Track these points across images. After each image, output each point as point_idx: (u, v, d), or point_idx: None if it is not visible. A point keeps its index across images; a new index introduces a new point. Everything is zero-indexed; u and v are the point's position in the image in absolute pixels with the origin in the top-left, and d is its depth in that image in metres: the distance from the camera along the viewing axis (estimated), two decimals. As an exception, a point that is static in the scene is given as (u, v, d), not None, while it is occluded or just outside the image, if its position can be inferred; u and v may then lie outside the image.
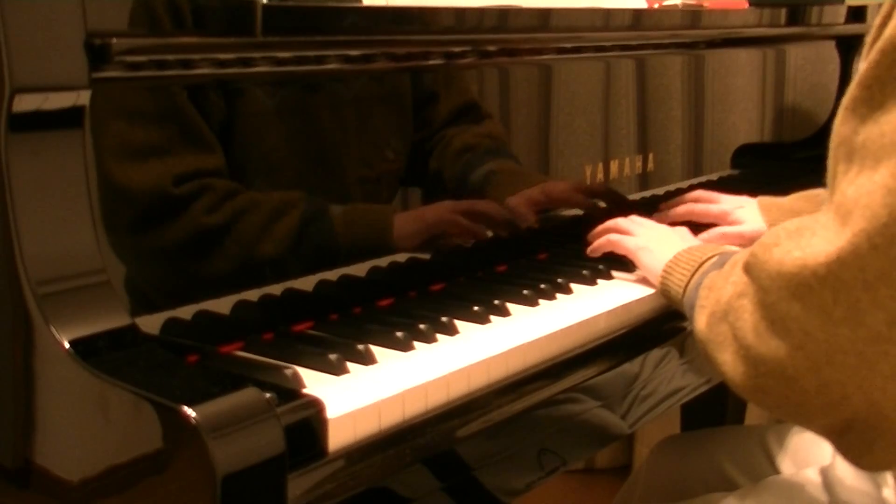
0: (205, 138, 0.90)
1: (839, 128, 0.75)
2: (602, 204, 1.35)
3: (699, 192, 1.36)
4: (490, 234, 1.19)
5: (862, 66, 0.75)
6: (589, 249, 1.20)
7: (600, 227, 1.20)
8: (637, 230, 1.16)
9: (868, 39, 0.76)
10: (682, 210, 1.33)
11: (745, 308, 0.80)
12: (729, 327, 0.82)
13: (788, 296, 0.74)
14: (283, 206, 0.96)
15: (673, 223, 1.32)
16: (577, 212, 1.32)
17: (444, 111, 1.14)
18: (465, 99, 1.16)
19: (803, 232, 0.75)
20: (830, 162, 0.77)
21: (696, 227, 1.30)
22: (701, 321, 0.88)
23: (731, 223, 1.28)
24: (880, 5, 0.76)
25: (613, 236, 1.17)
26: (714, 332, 0.85)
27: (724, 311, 0.84)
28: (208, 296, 0.91)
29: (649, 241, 1.13)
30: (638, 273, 1.16)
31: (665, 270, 1.05)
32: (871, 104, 0.72)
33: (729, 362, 0.82)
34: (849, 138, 0.73)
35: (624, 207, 1.33)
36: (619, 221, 1.19)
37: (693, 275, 1.00)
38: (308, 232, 0.98)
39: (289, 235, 0.96)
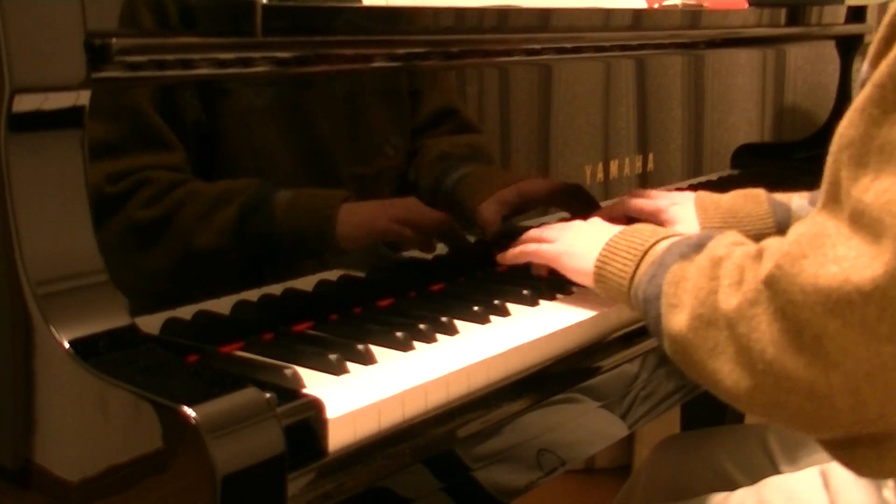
0: (163, 138, 0.88)
1: (845, 130, 0.72)
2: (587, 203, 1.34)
3: (635, 191, 1.33)
4: (437, 245, 1.13)
5: (865, 66, 0.74)
6: (499, 257, 1.14)
7: (518, 241, 1.14)
8: (552, 235, 1.09)
9: (878, 36, 0.73)
10: (618, 207, 1.30)
11: (759, 319, 0.75)
12: (732, 336, 0.77)
13: (825, 312, 0.70)
14: (232, 194, 0.93)
15: (612, 220, 1.32)
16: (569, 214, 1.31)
17: (438, 114, 1.14)
18: (454, 102, 1.15)
19: (823, 241, 0.71)
20: (831, 166, 0.74)
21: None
22: (678, 321, 0.83)
23: (664, 221, 1.24)
24: (880, 5, 0.75)
25: (530, 246, 1.10)
26: (702, 337, 0.80)
27: (725, 318, 0.78)
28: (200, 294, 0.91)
29: (569, 245, 1.05)
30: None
31: (600, 261, 0.98)
32: (884, 105, 0.69)
33: (726, 371, 0.78)
34: (858, 141, 0.70)
35: (595, 207, 1.32)
36: (533, 231, 1.13)
37: (639, 263, 0.94)
38: (252, 220, 0.94)
39: (235, 223, 0.93)
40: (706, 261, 0.84)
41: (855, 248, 0.69)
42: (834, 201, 0.73)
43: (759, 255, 0.78)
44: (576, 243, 1.05)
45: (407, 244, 1.10)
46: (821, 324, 0.70)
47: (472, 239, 1.18)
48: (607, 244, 0.99)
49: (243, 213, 0.93)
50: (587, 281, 1.02)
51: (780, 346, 0.73)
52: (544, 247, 1.08)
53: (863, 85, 0.74)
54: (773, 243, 0.78)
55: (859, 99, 0.71)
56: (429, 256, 1.12)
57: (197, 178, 0.91)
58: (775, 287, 0.74)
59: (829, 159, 0.74)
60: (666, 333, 0.86)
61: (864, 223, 0.69)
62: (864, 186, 0.69)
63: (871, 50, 0.74)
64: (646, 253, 0.94)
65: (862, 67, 0.76)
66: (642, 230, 0.98)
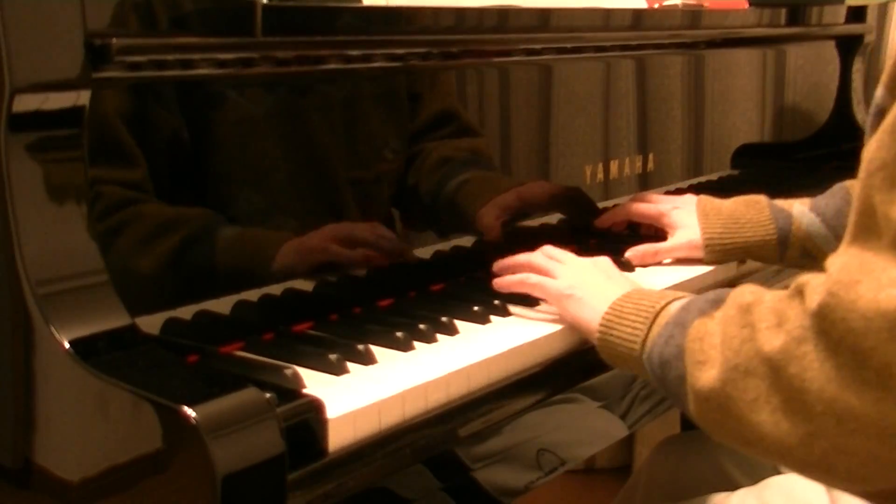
0: (126, 151, 0.86)
1: (875, 154, 0.68)
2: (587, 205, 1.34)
3: (639, 195, 1.34)
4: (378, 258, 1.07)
5: (880, 91, 0.71)
6: (496, 284, 1.07)
7: (511, 262, 1.09)
8: (557, 270, 1.03)
9: (894, 62, 0.71)
10: (620, 212, 1.31)
11: (811, 357, 0.70)
12: (778, 382, 0.73)
13: (892, 338, 0.65)
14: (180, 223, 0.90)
15: (614, 225, 1.32)
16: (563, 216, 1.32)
17: (437, 117, 1.13)
18: (453, 105, 1.15)
19: (871, 267, 0.67)
20: (861, 192, 0.70)
21: (635, 229, 1.31)
22: (708, 377, 0.78)
23: (666, 225, 1.25)
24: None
25: (533, 278, 1.04)
26: (740, 390, 0.75)
27: (769, 362, 0.73)
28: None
29: (573, 287, 1.00)
30: (637, 273, 1.16)
31: (604, 325, 0.93)
32: None
33: (772, 423, 0.73)
34: (892, 162, 0.67)
35: (595, 211, 1.33)
36: (536, 259, 1.07)
37: (651, 326, 0.89)
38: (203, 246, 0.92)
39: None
40: (733, 310, 0.80)
41: None
42: (868, 231, 0.69)
43: (797, 293, 0.74)
44: (581, 286, 1.00)
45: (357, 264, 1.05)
46: (889, 351, 0.66)
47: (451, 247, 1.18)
48: (612, 307, 0.94)
49: (185, 243, 0.90)
50: (587, 336, 0.97)
51: (841, 382, 0.69)
52: (548, 282, 1.02)
53: (878, 110, 0.72)
54: (813, 278, 0.73)
55: (888, 120, 0.68)
56: (427, 257, 1.12)
57: (187, 186, 0.91)
58: (831, 317, 0.69)
59: (859, 186, 0.70)
60: (693, 393, 0.81)
61: None
62: None
63: (886, 74, 0.72)
64: (657, 315, 0.89)
65: (875, 93, 0.74)
66: (649, 293, 0.94)
